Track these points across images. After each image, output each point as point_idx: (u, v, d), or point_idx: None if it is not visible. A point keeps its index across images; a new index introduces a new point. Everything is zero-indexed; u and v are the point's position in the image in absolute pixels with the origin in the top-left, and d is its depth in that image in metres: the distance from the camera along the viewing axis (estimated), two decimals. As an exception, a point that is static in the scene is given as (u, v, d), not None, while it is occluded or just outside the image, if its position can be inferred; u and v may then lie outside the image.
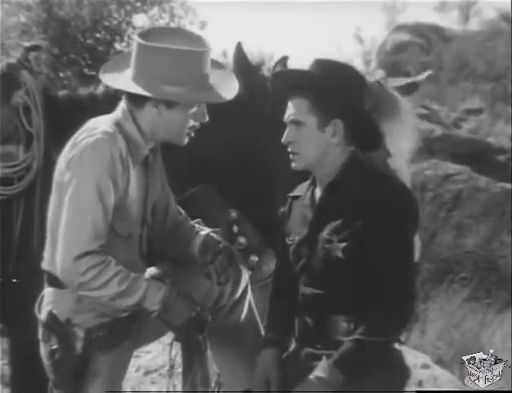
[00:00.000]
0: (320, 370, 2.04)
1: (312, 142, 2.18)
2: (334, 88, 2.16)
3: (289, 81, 2.26)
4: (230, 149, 2.73)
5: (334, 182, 2.21)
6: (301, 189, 2.34)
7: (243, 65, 2.71)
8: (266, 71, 2.77)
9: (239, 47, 2.77)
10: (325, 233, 2.15)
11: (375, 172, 2.23)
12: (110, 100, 2.38)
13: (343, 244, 2.10)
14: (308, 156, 2.20)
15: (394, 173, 2.45)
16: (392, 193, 2.14)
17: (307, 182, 2.32)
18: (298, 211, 2.30)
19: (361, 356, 2.04)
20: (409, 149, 2.56)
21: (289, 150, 2.22)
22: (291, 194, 2.37)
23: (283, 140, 2.22)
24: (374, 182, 2.17)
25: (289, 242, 2.28)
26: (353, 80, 2.23)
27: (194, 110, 2.22)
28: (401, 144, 2.52)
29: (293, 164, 2.23)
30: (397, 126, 2.52)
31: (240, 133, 2.74)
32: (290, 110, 2.21)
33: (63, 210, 2.11)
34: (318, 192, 2.25)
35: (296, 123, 2.19)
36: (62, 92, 2.88)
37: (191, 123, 2.24)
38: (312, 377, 2.04)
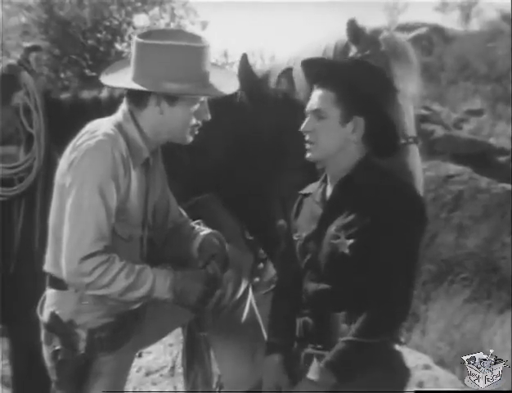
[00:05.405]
0: (312, 372, 2.04)
1: (331, 134, 2.16)
2: (362, 86, 2.15)
3: (319, 70, 2.23)
4: (231, 159, 2.72)
5: (347, 179, 2.19)
6: (312, 187, 2.33)
7: (248, 77, 2.69)
8: (272, 82, 2.76)
9: (244, 59, 2.75)
10: (332, 229, 2.14)
11: (387, 174, 2.21)
12: (113, 104, 2.37)
13: (351, 241, 2.09)
14: (325, 147, 2.17)
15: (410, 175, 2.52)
16: (403, 196, 2.13)
17: (318, 181, 2.31)
18: (308, 208, 2.29)
19: (353, 358, 2.03)
20: (414, 91, 2.68)
21: (307, 139, 2.20)
22: (302, 192, 2.36)
23: (302, 128, 2.20)
24: (386, 183, 2.16)
25: (296, 238, 2.27)
26: (382, 81, 2.25)
27: (196, 107, 2.22)
28: (407, 84, 2.65)
29: (308, 155, 2.21)
30: (405, 68, 2.65)
31: (242, 144, 2.72)
32: (314, 100, 2.19)
33: (65, 212, 2.11)
34: (329, 190, 2.24)
35: (318, 113, 2.17)
36: (65, 95, 2.88)
37: (194, 121, 2.24)
38: (304, 379, 2.04)
